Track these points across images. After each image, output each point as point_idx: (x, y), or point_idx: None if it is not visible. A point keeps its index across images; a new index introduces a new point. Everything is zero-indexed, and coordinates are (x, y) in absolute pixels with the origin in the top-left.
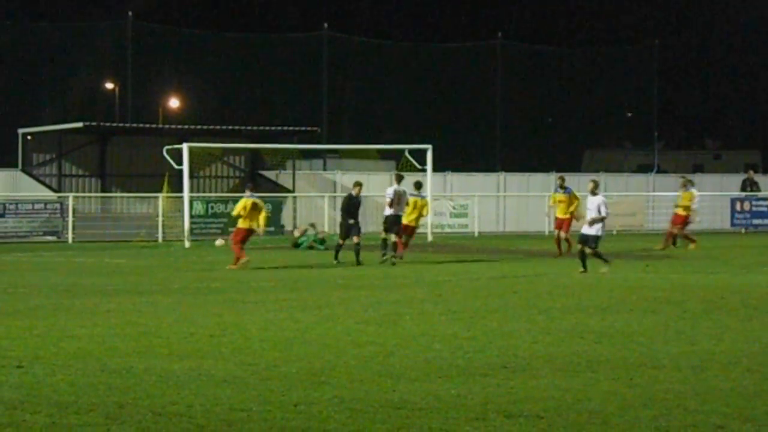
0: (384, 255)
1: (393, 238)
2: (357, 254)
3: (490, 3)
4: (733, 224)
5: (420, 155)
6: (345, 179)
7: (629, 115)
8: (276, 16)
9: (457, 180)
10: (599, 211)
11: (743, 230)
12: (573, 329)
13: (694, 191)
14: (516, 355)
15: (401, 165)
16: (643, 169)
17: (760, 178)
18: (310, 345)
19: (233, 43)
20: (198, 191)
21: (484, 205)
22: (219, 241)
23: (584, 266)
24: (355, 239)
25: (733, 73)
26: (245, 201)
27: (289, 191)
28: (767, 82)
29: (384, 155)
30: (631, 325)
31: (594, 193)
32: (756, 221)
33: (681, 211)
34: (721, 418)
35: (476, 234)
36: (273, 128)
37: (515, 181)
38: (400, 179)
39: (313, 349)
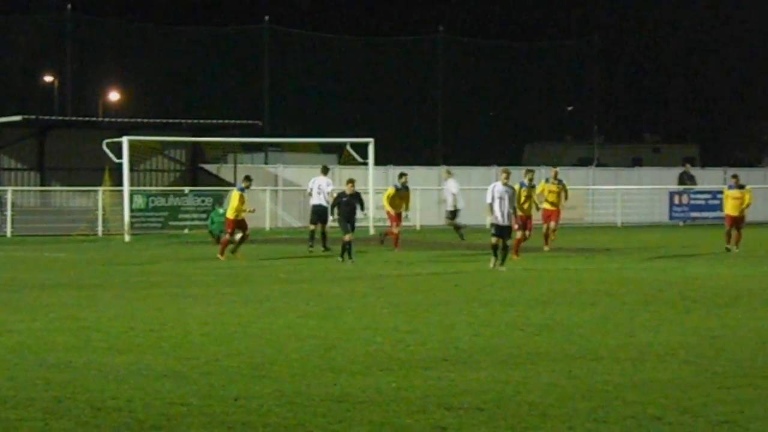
0: (311, 247)
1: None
2: (346, 251)
3: None
4: (671, 217)
5: (362, 149)
6: (287, 173)
7: (570, 108)
8: (217, 9)
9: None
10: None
11: (681, 223)
12: (513, 322)
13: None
14: (457, 347)
15: (343, 158)
16: (584, 162)
17: (696, 172)
18: (251, 339)
19: (174, 35)
20: (138, 185)
21: (425, 198)
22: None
23: (497, 259)
24: (346, 237)
25: (672, 67)
26: (240, 193)
27: (230, 185)
28: (705, 76)
29: (326, 149)
30: (570, 318)
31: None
32: (694, 214)
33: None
34: (658, 410)
35: (418, 227)
36: (214, 121)
37: (457, 174)
38: (326, 171)
39: (254, 343)
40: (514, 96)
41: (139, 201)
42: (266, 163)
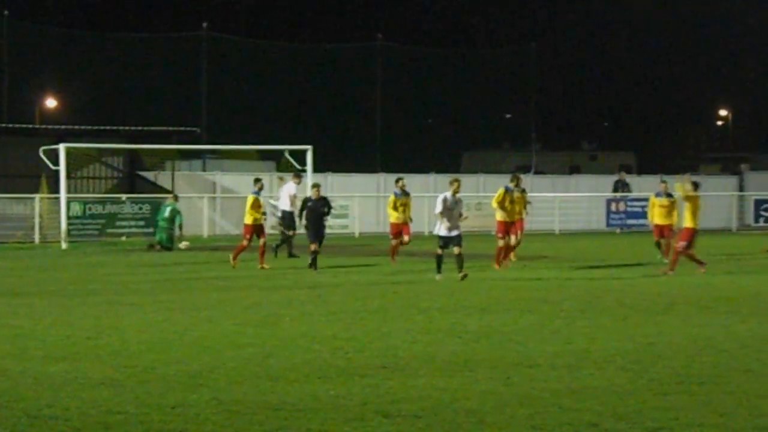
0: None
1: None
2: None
3: (370, 4)
4: (608, 224)
5: (300, 156)
6: (225, 180)
7: (508, 116)
8: (155, 16)
9: (337, 181)
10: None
11: (618, 230)
12: (451, 329)
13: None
14: (395, 355)
15: (281, 165)
16: (522, 170)
17: (632, 179)
18: (189, 347)
19: (112, 42)
20: (75, 192)
21: (364, 205)
22: (184, 244)
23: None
24: (311, 247)
25: (610, 75)
26: (254, 197)
27: (168, 192)
28: (642, 84)
29: (264, 156)
30: (508, 325)
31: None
32: (630, 221)
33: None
34: (594, 416)
35: (357, 235)
36: (151, 128)
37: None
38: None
39: (191, 351)
40: (453, 104)
41: (76, 208)
42: (204, 170)
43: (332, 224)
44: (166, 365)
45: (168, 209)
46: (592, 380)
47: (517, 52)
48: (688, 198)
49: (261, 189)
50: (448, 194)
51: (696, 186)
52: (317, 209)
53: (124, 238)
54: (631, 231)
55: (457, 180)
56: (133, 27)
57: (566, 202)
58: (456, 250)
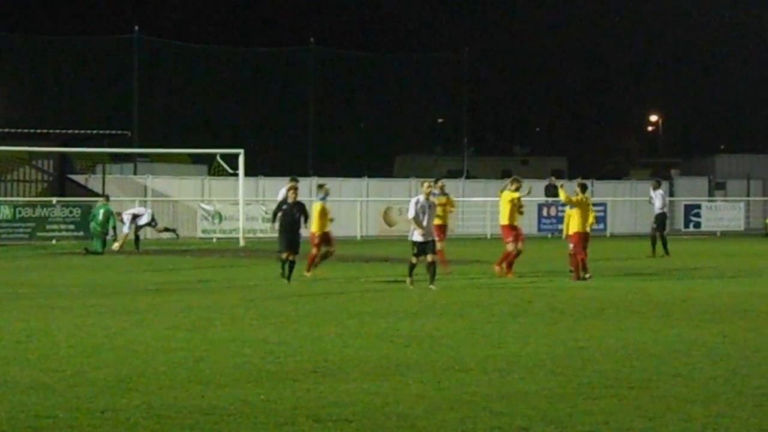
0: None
1: None
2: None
3: (303, 8)
4: (540, 229)
5: (232, 160)
6: (156, 183)
7: (440, 121)
8: (87, 19)
9: (269, 184)
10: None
11: (550, 235)
12: (383, 333)
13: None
14: (326, 359)
15: (213, 169)
16: (454, 174)
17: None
18: (119, 351)
19: (44, 45)
20: (5, 195)
21: None
22: (116, 245)
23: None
24: (283, 255)
25: (541, 81)
26: (322, 204)
27: (99, 195)
28: (573, 90)
29: (196, 159)
30: (440, 329)
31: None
32: (562, 226)
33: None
34: (525, 420)
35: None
36: (82, 131)
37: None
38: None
39: (121, 355)
40: (385, 108)
41: (6, 211)
42: (135, 173)
43: (264, 228)
44: (96, 369)
45: (101, 211)
46: (523, 384)
47: (449, 57)
48: (576, 202)
49: (327, 195)
50: (421, 197)
51: (584, 188)
52: (291, 214)
53: (54, 242)
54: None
55: (429, 183)
56: (65, 30)
57: (498, 206)
58: (429, 258)
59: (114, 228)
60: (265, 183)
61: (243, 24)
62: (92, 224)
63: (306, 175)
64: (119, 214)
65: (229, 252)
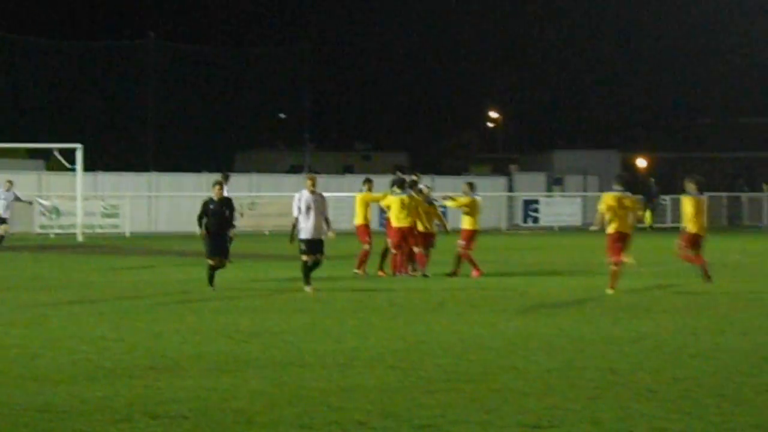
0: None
1: None
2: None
3: (142, 1)
4: (381, 224)
5: (70, 154)
6: None
7: (282, 116)
8: None
9: (108, 179)
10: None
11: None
12: (223, 329)
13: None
14: (164, 355)
15: (50, 164)
16: (296, 169)
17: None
18: None
19: None
20: None
21: (135, 205)
22: None
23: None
24: (210, 261)
25: (383, 77)
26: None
27: None
28: (414, 86)
29: (32, 154)
30: (280, 325)
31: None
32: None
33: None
34: (363, 415)
35: (128, 234)
36: None
37: (167, 181)
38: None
39: None
40: (227, 102)
41: None
42: None
43: (103, 224)
44: None
45: None
46: (362, 379)
47: (290, 52)
48: (467, 204)
49: (370, 190)
50: (305, 191)
51: (471, 187)
52: (220, 213)
53: None
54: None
55: (312, 177)
56: None
57: (340, 201)
58: (318, 257)
59: None
60: (104, 178)
61: (81, 17)
62: None
63: (146, 170)
64: None
65: (67, 248)
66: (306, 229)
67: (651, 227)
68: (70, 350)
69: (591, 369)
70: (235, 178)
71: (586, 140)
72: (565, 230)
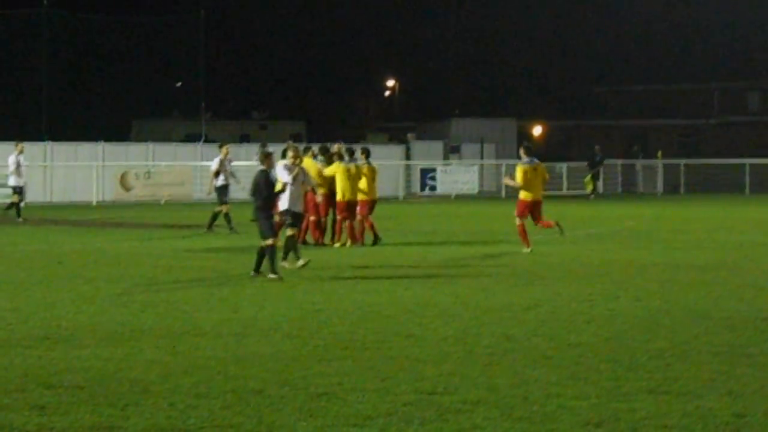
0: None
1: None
2: None
3: None
4: None
5: None
6: None
7: (178, 84)
8: None
9: (1, 149)
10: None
11: None
12: (118, 299)
13: None
14: (59, 325)
15: None
16: (192, 138)
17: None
18: None
19: None
20: None
21: (30, 174)
22: None
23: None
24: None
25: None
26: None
27: None
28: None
29: None
30: (176, 294)
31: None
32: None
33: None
34: (259, 383)
35: (22, 205)
36: None
37: (63, 150)
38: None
39: None
40: (121, 71)
41: None
42: None
43: None
44: None
45: None
46: (258, 347)
47: (185, 20)
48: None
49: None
50: (287, 162)
51: (366, 153)
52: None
53: None
54: None
55: (293, 146)
56: None
57: (236, 171)
58: (290, 231)
59: None
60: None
61: None
62: None
63: (40, 139)
64: None
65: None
66: (291, 200)
67: (593, 194)
68: None
69: (487, 336)
70: (132, 147)
71: (482, 109)
72: (462, 198)
